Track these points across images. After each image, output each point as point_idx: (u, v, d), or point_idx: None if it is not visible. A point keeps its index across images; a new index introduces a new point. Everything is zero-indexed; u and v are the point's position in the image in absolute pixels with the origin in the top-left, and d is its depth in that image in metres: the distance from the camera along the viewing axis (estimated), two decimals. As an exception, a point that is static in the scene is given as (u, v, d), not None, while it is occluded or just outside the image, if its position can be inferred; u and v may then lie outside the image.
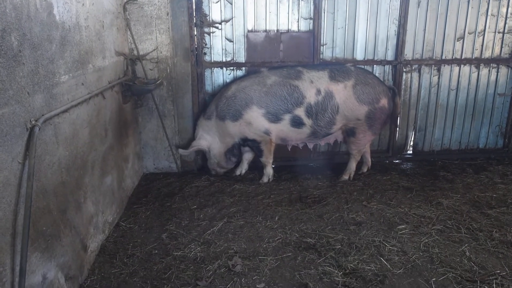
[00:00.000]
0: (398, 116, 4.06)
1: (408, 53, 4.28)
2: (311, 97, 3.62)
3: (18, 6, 1.79)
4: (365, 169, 4.15)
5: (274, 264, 2.56)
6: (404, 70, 4.32)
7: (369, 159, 4.16)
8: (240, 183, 3.86)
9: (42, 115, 1.97)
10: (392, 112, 3.95)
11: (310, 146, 4.01)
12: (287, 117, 3.65)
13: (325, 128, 3.75)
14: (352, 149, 3.93)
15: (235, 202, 3.45)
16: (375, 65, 4.27)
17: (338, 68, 3.74)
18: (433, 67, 4.34)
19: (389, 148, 4.56)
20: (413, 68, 4.33)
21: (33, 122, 1.88)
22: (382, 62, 4.27)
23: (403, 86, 4.37)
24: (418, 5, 4.15)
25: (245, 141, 3.81)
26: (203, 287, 2.34)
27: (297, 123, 3.68)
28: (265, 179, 3.93)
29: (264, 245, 2.77)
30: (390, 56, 4.27)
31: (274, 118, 3.65)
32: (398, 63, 4.26)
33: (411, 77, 4.37)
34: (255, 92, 3.64)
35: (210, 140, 3.86)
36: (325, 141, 3.99)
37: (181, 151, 3.89)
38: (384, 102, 3.75)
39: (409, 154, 4.62)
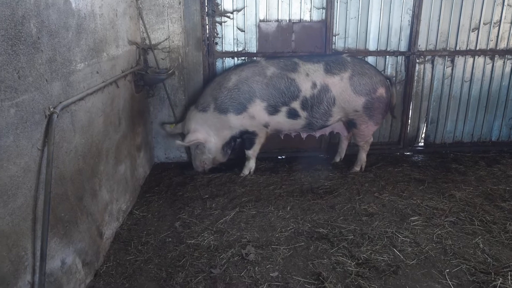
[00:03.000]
0: (394, 107, 4.00)
1: (421, 44, 4.22)
2: (306, 90, 3.57)
3: (37, -8, 1.79)
4: (337, 159, 4.16)
5: (287, 253, 2.57)
6: (417, 61, 4.27)
7: (344, 151, 4.16)
8: (252, 174, 3.86)
9: (60, 103, 1.98)
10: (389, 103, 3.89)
11: (303, 135, 3.94)
12: (284, 109, 3.61)
13: (321, 120, 3.70)
14: (358, 141, 3.91)
15: (246, 192, 3.46)
16: (387, 56, 4.23)
17: (334, 60, 3.66)
18: (446, 58, 4.29)
19: (400, 140, 4.53)
20: (426, 59, 4.28)
21: (52, 110, 1.89)
22: (395, 53, 4.22)
23: (415, 78, 4.33)
24: (433, -6, 4.08)
25: (244, 134, 3.71)
26: (217, 275, 2.36)
27: (292, 114, 3.63)
28: (246, 172, 3.83)
29: (277, 235, 2.78)
30: (403, 47, 4.22)
31: (273, 110, 3.60)
32: (411, 54, 4.21)
33: (424, 68, 4.31)
34: (257, 84, 3.55)
35: (205, 133, 3.64)
36: (320, 133, 3.94)
37: (178, 142, 3.61)
38: (381, 91, 3.70)
39: (421, 146, 4.59)
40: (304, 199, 3.31)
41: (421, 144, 4.60)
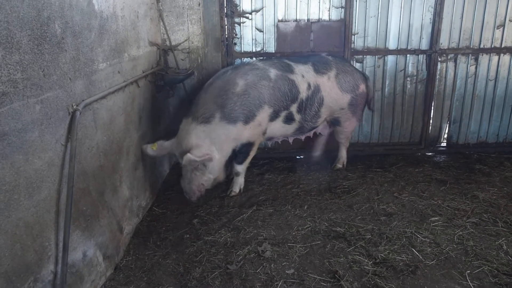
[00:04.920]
0: (371, 100, 3.95)
1: (443, 42, 4.13)
2: (303, 92, 3.42)
3: (61, -5, 1.87)
4: (340, 165, 4.01)
5: (303, 251, 2.57)
6: (439, 59, 4.18)
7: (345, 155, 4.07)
8: (270, 173, 3.88)
9: (82, 101, 2.05)
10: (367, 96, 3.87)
11: (290, 140, 3.78)
12: (283, 114, 3.38)
13: (311, 123, 3.59)
14: (340, 138, 3.91)
15: (264, 191, 3.47)
16: (408, 55, 4.16)
17: (319, 60, 3.63)
18: (470, 56, 4.18)
19: (421, 140, 4.43)
20: (448, 57, 4.18)
21: (75, 107, 1.97)
22: (416, 52, 4.14)
23: (437, 76, 4.23)
24: (456, -9, 3.99)
25: (243, 146, 3.27)
26: (233, 271, 2.38)
27: (289, 119, 3.43)
28: (236, 189, 3.43)
29: (293, 233, 2.78)
30: (424, 45, 4.14)
31: (274, 116, 3.33)
32: (433, 52, 4.13)
33: (446, 66, 4.22)
34: (265, 89, 3.24)
35: (208, 149, 3.02)
36: (305, 135, 3.85)
37: (189, 157, 2.87)
38: (363, 87, 3.73)
39: (443, 146, 4.48)
40: (322, 198, 3.30)
41: (444, 144, 4.49)
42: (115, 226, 2.48)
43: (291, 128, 3.52)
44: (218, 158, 3.11)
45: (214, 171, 3.13)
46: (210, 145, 3.06)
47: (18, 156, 1.55)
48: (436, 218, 2.92)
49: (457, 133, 4.45)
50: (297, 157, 4.37)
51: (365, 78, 3.80)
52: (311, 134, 3.88)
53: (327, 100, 3.56)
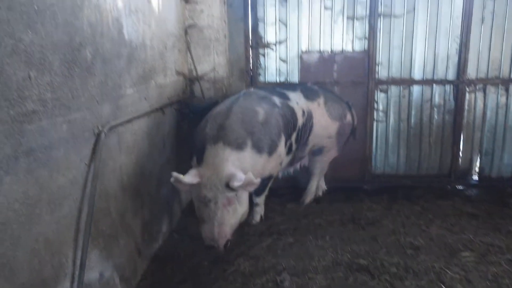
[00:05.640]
0: (356, 128, 3.85)
1: (471, 72, 4.06)
2: (300, 119, 3.26)
3: (94, 24, 2.00)
4: (320, 193, 3.91)
5: (323, 282, 2.47)
6: (467, 90, 4.09)
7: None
8: (291, 203, 3.81)
9: (108, 123, 2.13)
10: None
11: (279, 174, 3.50)
12: (288, 143, 3.15)
13: (301, 152, 3.43)
14: (316, 167, 3.73)
15: (285, 220, 3.41)
16: (434, 85, 4.10)
17: (306, 88, 3.60)
18: (500, 87, 4.07)
19: (451, 172, 4.27)
20: (477, 88, 4.09)
21: (100, 129, 2.04)
22: (443, 82, 4.09)
23: (466, 107, 4.13)
24: (482, 22, 3.96)
25: (264, 180, 2.91)
26: (250, 300, 2.30)
27: (289, 149, 3.18)
28: (258, 218, 3.33)
29: (314, 264, 2.69)
30: (451, 75, 4.09)
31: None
32: (461, 83, 4.05)
33: (475, 97, 4.12)
34: (279, 116, 3.02)
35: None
36: (291, 168, 3.69)
37: (235, 184, 2.42)
38: (349, 116, 3.69)
39: (475, 179, 4.29)
40: (345, 229, 3.19)
41: (475, 177, 4.30)
42: (134, 249, 2.48)
43: (287, 159, 3.24)
44: (246, 192, 2.66)
45: (245, 204, 2.67)
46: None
47: (43, 172, 1.61)
48: (467, 254, 2.75)
49: (490, 165, 4.26)
50: (321, 187, 4.29)
51: (349, 107, 3.77)
52: (297, 166, 3.77)
53: (316, 127, 3.44)
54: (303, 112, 3.34)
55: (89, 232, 1.87)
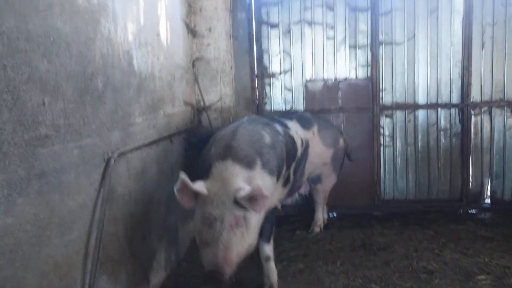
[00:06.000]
0: (350, 151, 3.84)
1: (475, 95, 4.09)
2: (299, 149, 3.09)
3: (105, 55, 2.11)
4: (317, 229, 3.76)
5: (335, 309, 2.40)
6: (473, 112, 4.11)
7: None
8: (301, 229, 3.77)
9: (118, 149, 2.19)
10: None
11: (279, 205, 3.01)
12: (286, 174, 2.85)
13: (298, 182, 3.22)
14: (320, 197, 3.74)
15: (294, 247, 3.36)
16: (439, 109, 4.13)
17: (300, 115, 3.57)
18: (505, 109, 4.08)
19: (462, 196, 4.20)
20: (482, 110, 4.11)
21: (110, 155, 2.10)
22: (447, 106, 4.12)
23: (473, 130, 4.13)
24: (482, 47, 4.04)
25: (270, 212, 2.62)
26: (260, 328, 2.23)
27: (287, 180, 2.91)
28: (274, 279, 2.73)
29: (325, 290, 2.63)
30: (455, 99, 4.12)
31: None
32: (465, 106, 4.08)
33: (481, 120, 4.13)
34: (283, 144, 2.81)
35: None
36: (289, 198, 3.53)
37: (241, 194, 2.20)
38: (341, 141, 3.71)
39: (487, 203, 4.21)
40: (356, 255, 3.14)
41: (488, 201, 4.23)
42: (142, 276, 2.47)
43: (284, 191, 2.96)
44: (257, 215, 2.34)
45: (254, 233, 2.35)
46: None
47: (54, 195, 1.65)
48: (484, 277, 2.67)
49: (501, 188, 4.19)
50: (330, 215, 4.23)
51: (341, 132, 3.82)
52: (295, 196, 3.74)
53: (311, 155, 3.32)
54: (302, 141, 3.17)
55: (98, 256, 1.89)
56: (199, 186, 2.20)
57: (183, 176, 2.16)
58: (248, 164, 2.41)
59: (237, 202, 2.18)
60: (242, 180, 2.30)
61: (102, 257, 1.97)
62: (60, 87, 1.70)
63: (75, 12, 1.83)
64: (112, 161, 2.09)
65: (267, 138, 2.69)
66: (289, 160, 2.86)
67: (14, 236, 1.41)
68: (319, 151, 3.47)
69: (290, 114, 3.80)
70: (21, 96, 1.46)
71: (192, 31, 3.93)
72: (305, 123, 3.41)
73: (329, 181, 3.73)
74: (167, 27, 3.17)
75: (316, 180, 3.66)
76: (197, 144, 3.93)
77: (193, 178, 2.26)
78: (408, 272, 2.82)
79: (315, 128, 3.50)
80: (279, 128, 2.96)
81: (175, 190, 2.19)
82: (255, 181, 2.31)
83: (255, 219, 2.32)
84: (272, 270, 2.70)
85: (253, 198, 2.14)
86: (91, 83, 1.96)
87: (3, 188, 1.37)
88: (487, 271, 2.76)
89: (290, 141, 2.95)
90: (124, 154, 2.29)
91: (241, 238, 2.23)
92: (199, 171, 2.52)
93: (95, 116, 2.00)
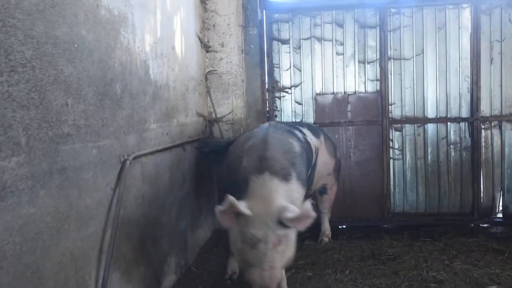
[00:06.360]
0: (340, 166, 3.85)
1: (485, 110, 4.12)
2: (314, 155, 3.06)
3: (124, 63, 2.24)
4: (326, 239, 3.76)
5: (343, 315, 2.41)
6: (483, 127, 4.13)
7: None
8: (310, 239, 3.78)
9: (133, 153, 2.29)
10: None
11: None
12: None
13: (309, 190, 3.10)
14: (326, 207, 3.76)
15: (303, 256, 3.37)
16: (449, 123, 4.17)
17: (308, 125, 3.63)
18: (516, 123, 4.10)
19: (473, 210, 4.17)
20: (492, 124, 4.12)
21: (126, 157, 2.20)
22: (457, 119, 4.15)
23: (483, 143, 4.14)
24: (491, 62, 4.09)
25: None
26: (267, 331, 2.25)
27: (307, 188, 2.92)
28: None
29: (333, 297, 2.64)
30: (464, 113, 4.15)
31: None
32: (475, 120, 4.10)
33: (491, 134, 4.14)
34: (304, 151, 2.80)
35: None
36: None
37: (288, 215, 2.12)
38: (338, 153, 3.78)
39: (499, 217, 4.17)
40: (365, 264, 3.14)
41: (499, 215, 4.18)
42: (153, 278, 2.52)
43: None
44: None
45: (293, 247, 2.31)
46: None
47: (73, 191, 1.74)
48: (495, 287, 2.65)
49: (513, 203, 4.16)
50: (339, 226, 4.24)
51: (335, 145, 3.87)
52: None
53: (319, 165, 3.27)
54: (315, 148, 3.20)
55: (112, 253, 1.96)
56: (245, 208, 2.11)
57: (231, 198, 2.06)
58: (285, 177, 2.36)
59: (280, 222, 2.13)
60: (282, 195, 2.26)
61: (115, 254, 2.04)
62: (82, 90, 1.82)
63: (98, 22, 1.97)
64: (128, 163, 2.18)
65: (297, 147, 2.69)
66: (308, 167, 2.88)
67: (36, 226, 1.50)
68: (325, 160, 3.52)
69: (299, 123, 3.89)
70: (47, 96, 1.58)
71: (205, 46, 4.08)
72: (314, 132, 3.49)
73: (332, 192, 3.76)
74: (182, 41, 3.33)
75: (322, 191, 3.71)
76: (208, 154, 4.02)
77: (213, 189, 2.14)
78: (417, 281, 2.80)
79: (322, 138, 3.57)
80: (300, 135, 2.98)
81: (217, 210, 2.11)
82: (293, 198, 2.32)
83: (294, 234, 2.30)
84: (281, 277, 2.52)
85: (298, 218, 2.10)
86: (110, 88, 2.08)
87: (27, 179, 1.46)
88: (498, 281, 2.73)
89: (309, 147, 2.97)
90: (139, 158, 2.38)
91: (283, 255, 2.22)
92: (229, 184, 2.49)
93: (113, 119, 2.11)
